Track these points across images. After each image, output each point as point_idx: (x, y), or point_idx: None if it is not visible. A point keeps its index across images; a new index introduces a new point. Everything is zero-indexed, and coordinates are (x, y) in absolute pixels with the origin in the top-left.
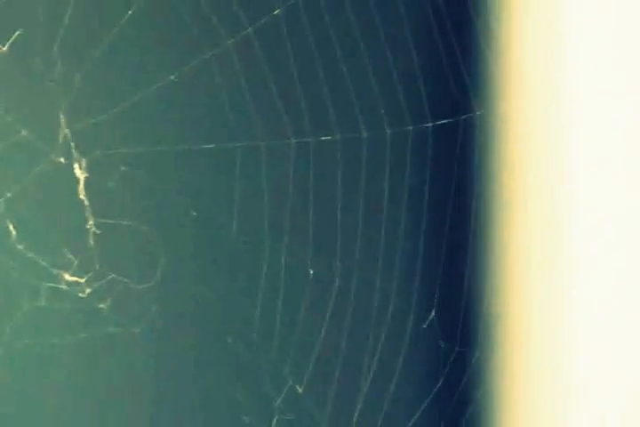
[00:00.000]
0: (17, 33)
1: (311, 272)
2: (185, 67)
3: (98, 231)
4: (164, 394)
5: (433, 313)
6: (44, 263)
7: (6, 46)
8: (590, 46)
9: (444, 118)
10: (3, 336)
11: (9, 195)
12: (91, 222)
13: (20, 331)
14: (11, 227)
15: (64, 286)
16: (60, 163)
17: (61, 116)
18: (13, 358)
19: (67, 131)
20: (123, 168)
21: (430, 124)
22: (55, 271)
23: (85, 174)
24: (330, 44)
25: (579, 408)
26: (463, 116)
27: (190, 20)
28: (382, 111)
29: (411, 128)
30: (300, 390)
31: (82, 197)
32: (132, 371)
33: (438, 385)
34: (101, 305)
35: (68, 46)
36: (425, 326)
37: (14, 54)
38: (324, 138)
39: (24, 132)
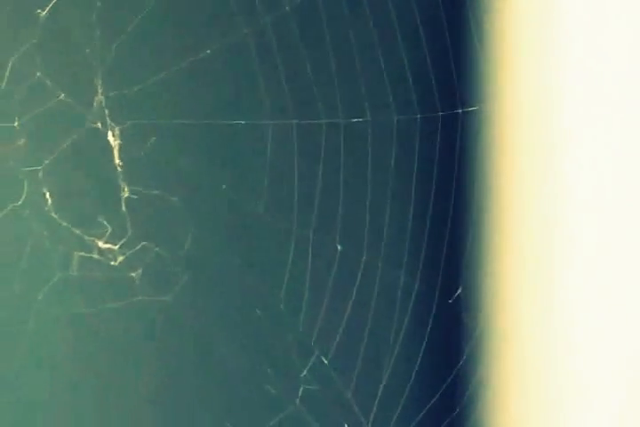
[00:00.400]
0: None
1: (339, 247)
2: (221, 42)
3: (131, 198)
4: (190, 363)
5: (460, 290)
6: (77, 231)
7: (46, 11)
8: (588, 38)
9: (471, 106)
10: (34, 304)
11: (47, 162)
12: (124, 190)
13: (51, 299)
14: (47, 195)
15: (97, 255)
16: (97, 128)
17: (97, 83)
18: (45, 326)
19: (102, 98)
20: (154, 138)
21: (460, 111)
22: (88, 239)
23: (119, 142)
24: (367, 29)
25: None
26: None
27: None
28: (414, 97)
29: (440, 114)
30: (325, 361)
31: (116, 164)
32: (161, 340)
33: (463, 359)
34: (132, 274)
35: (106, 14)
36: (450, 301)
37: (53, 19)
38: (354, 120)
39: (62, 96)
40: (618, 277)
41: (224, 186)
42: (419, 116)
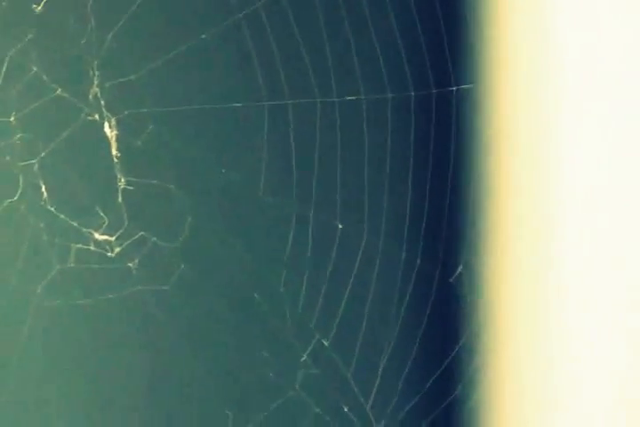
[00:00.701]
0: None
1: (339, 226)
2: (215, 27)
3: (128, 189)
4: (189, 351)
5: (460, 268)
6: (74, 224)
7: (41, 5)
8: (584, 19)
9: (465, 84)
10: (33, 297)
11: (42, 155)
12: (121, 180)
13: (50, 291)
14: (43, 188)
15: (94, 247)
16: (94, 121)
17: (93, 74)
18: (44, 319)
19: (97, 89)
20: (151, 127)
21: (454, 88)
22: (85, 230)
23: (115, 132)
24: (360, 8)
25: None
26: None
27: None
28: (407, 75)
29: (434, 91)
30: (326, 344)
31: (113, 155)
32: (160, 329)
33: (463, 340)
34: (129, 264)
35: (100, 6)
36: (451, 280)
37: (48, 13)
38: (348, 98)
39: (59, 91)
40: (617, 258)
41: (223, 170)
42: (412, 93)
